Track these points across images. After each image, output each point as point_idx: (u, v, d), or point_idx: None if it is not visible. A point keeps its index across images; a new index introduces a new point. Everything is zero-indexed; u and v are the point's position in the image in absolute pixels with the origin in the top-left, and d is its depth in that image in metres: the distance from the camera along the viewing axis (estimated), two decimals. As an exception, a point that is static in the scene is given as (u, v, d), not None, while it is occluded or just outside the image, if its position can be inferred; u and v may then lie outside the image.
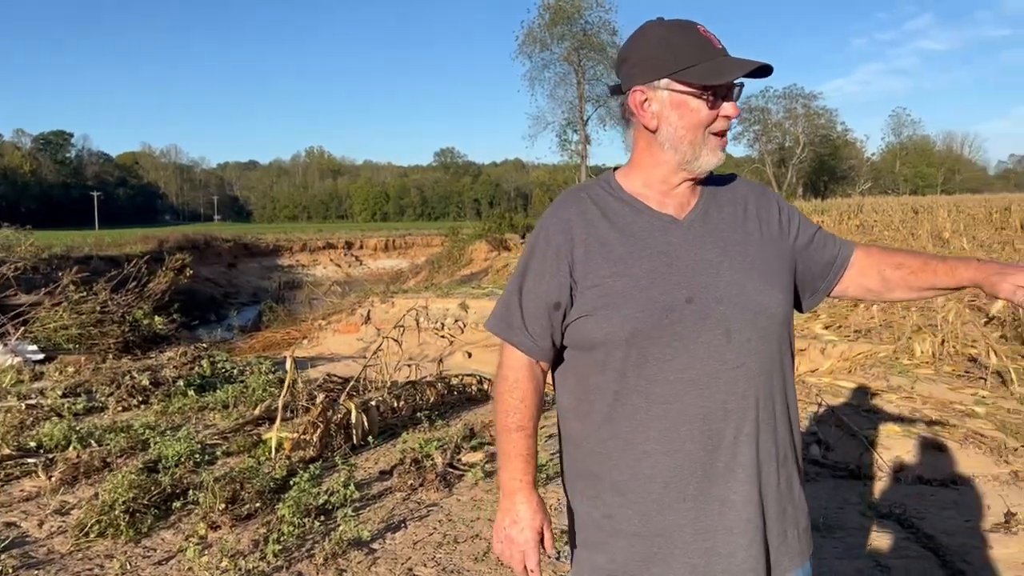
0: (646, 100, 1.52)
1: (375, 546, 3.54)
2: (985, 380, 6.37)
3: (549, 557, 1.64)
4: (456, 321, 13.52)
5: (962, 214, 25.29)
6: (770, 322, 1.52)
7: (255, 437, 5.19)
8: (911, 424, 5.23)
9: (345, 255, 46.18)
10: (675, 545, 1.49)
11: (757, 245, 1.57)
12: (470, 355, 12.32)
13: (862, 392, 6.06)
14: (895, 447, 4.82)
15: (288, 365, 5.15)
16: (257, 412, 5.67)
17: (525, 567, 1.59)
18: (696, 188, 1.59)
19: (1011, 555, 3.47)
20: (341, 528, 3.55)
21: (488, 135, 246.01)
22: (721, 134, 1.52)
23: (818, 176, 62.07)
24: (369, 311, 14.90)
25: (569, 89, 48.49)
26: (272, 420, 5.64)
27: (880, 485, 4.36)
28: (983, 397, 5.91)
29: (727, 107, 1.50)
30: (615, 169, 1.65)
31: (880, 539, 3.58)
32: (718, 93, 1.49)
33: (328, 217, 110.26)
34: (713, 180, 1.63)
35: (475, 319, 13.63)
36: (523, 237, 29.80)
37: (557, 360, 1.64)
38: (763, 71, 1.49)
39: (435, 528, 3.76)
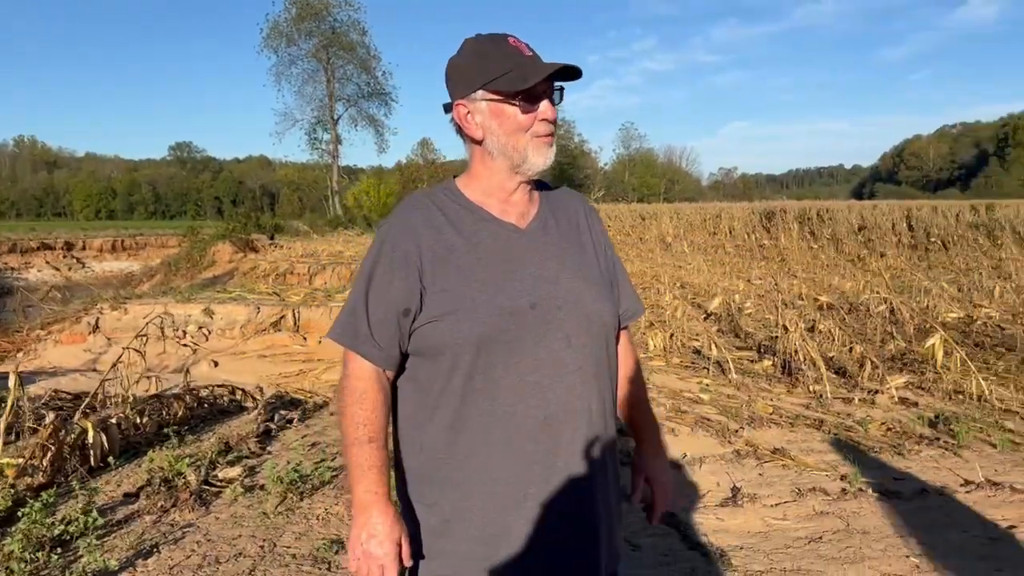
0: (468, 112, 1.59)
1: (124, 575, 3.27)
2: (708, 370, 7.14)
3: (405, 569, 1.60)
4: (200, 328, 12.74)
5: (682, 220, 28.07)
6: (602, 329, 1.63)
7: (-33, 466, 4.56)
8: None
9: (65, 257, 41.52)
10: (513, 546, 1.53)
11: (591, 256, 1.70)
12: (216, 364, 11.66)
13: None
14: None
15: (12, 382, 4.58)
16: (-31, 437, 4.97)
17: None
18: (535, 197, 1.68)
19: (739, 525, 3.94)
20: (84, 559, 3.23)
21: (230, 130, 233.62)
22: (546, 135, 1.59)
23: (558, 184, 65.76)
24: (98, 319, 13.58)
25: (318, 87, 47.55)
26: (-13, 445, 5.00)
27: (625, 472, 4.74)
28: (707, 385, 6.63)
29: (543, 109, 1.57)
30: (455, 177, 1.70)
31: (629, 520, 3.90)
32: (531, 97, 1.56)
33: (43, 215, 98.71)
34: (549, 192, 1.75)
35: (222, 325, 12.93)
36: (271, 238, 28.66)
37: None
38: (571, 73, 1.57)
39: (192, 550, 3.54)
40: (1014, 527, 3.92)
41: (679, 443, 5.19)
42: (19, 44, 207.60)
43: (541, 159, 1.59)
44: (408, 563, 1.55)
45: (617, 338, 1.77)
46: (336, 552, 3.53)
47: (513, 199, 1.64)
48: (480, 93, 1.56)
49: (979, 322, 9.60)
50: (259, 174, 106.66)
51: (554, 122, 1.60)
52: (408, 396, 1.62)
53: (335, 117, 48.19)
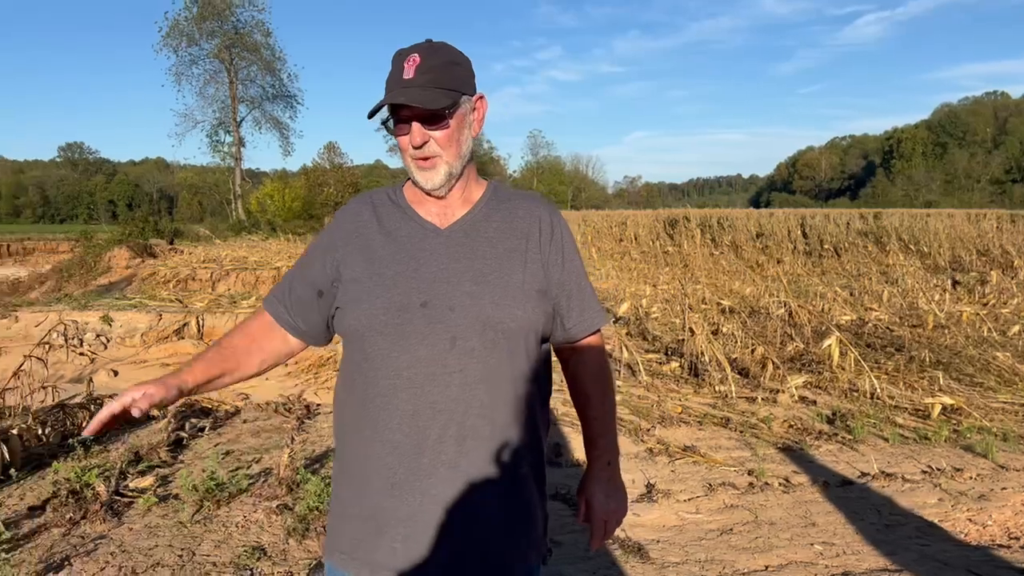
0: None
1: (35, 591, 3.15)
2: (619, 372, 7.33)
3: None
4: (98, 336, 12.24)
5: (590, 227, 28.59)
6: (501, 335, 1.59)
7: None
8: (563, 416, 5.86)
9: (-57, 262, 39.13)
10: (382, 529, 1.59)
11: (516, 264, 1.65)
12: (117, 373, 11.21)
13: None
14: (553, 436, 5.38)
15: (-97, 393, 4.33)
16: None
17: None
18: (475, 200, 1.71)
19: (655, 520, 4.08)
20: (-9, 576, 3.10)
21: (124, 130, 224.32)
22: (419, 158, 1.62)
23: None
24: (-15, 327, 12.87)
25: (221, 88, 46.28)
26: None
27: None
28: (619, 387, 6.80)
29: (412, 132, 1.60)
30: None
31: (551, 519, 4.00)
32: (401, 120, 1.60)
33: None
34: (514, 196, 1.76)
35: (121, 333, 12.46)
36: (171, 243, 27.70)
37: None
38: (439, 107, 1.57)
39: (107, 562, 3.43)
40: (906, 514, 4.20)
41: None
42: None
43: (421, 179, 1.64)
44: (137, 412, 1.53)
45: (580, 351, 1.79)
46: (258, 559, 3.49)
47: (435, 201, 1.69)
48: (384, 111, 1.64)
49: (870, 324, 10.16)
50: (157, 177, 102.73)
51: (421, 146, 1.60)
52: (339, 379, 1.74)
53: (238, 119, 47.00)
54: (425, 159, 1.61)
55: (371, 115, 1.59)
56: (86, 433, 1.44)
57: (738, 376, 7.38)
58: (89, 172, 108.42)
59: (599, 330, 1.81)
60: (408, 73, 1.57)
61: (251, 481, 4.40)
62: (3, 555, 3.32)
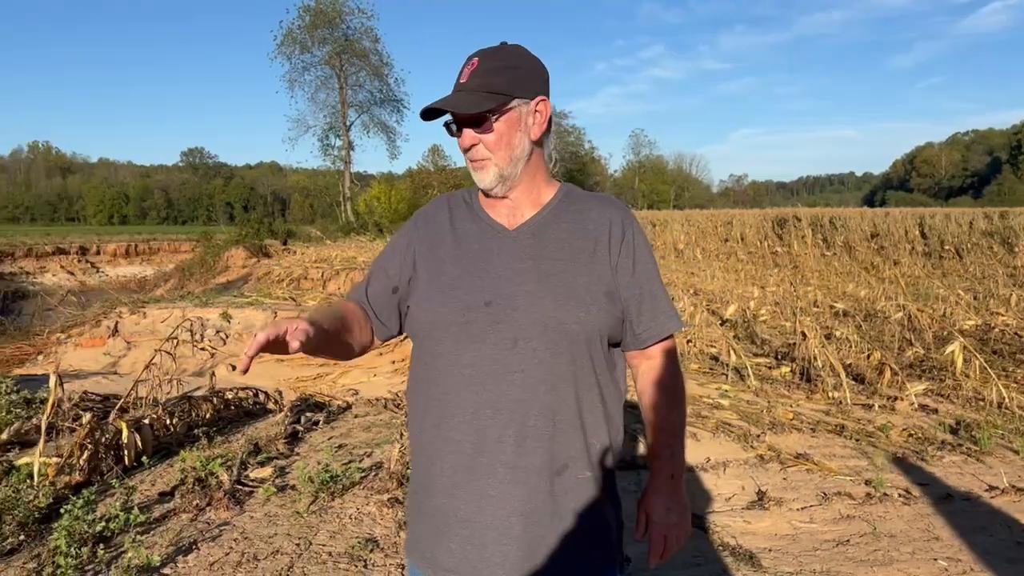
0: None
1: (167, 571, 3.33)
2: (726, 376, 7.18)
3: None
4: (218, 332, 12.85)
5: (693, 227, 28.07)
6: (561, 336, 1.57)
7: (4, 464, 4.65)
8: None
9: (79, 261, 41.81)
10: (442, 529, 1.62)
11: (583, 264, 1.63)
12: (234, 368, 11.74)
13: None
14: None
15: (51, 383, 4.66)
16: (5, 436, 5.07)
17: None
18: (539, 202, 1.71)
19: (766, 528, 3.98)
20: (129, 555, 3.30)
21: (241, 136, 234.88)
22: (471, 160, 1.66)
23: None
24: (117, 323, 13.71)
25: (331, 93, 47.80)
26: (23, 444, 5.10)
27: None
28: (726, 391, 6.67)
29: (460, 139, 1.66)
30: None
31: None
32: (455, 125, 1.65)
33: (56, 219, 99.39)
34: (586, 199, 1.73)
35: (239, 329, 13.02)
36: (284, 243, 28.78)
37: None
38: (483, 111, 1.60)
39: (231, 548, 3.61)
40: (1040, 531, 3.95)
41: (701, 448, 5.24)
42: (35, 51, 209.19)
43: (476, 179, 1.68)
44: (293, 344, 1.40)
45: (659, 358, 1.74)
46: (371, 551, 3.59)
47: (503, 202, 1.70)
48: None
49: (996, 330, 9.60)
50: (271, 180, 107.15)
51: (470, 149, 1.64)
52: None
53: (347, 123, 48.43)
54: (475, 161, 1.65)
55: (426, 118, 1.65)
56: (243, 363, 1.33)
57: (853, 382, 7.10)
58: (209, 176, 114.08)
59: (671, 337, 1.74)
60: (464, 77, 1.62)
61: (363, 474, 4.53)
62: (138, 537, 3.53)
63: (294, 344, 1.40)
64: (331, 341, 1.58)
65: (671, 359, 1.75)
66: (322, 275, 18.30)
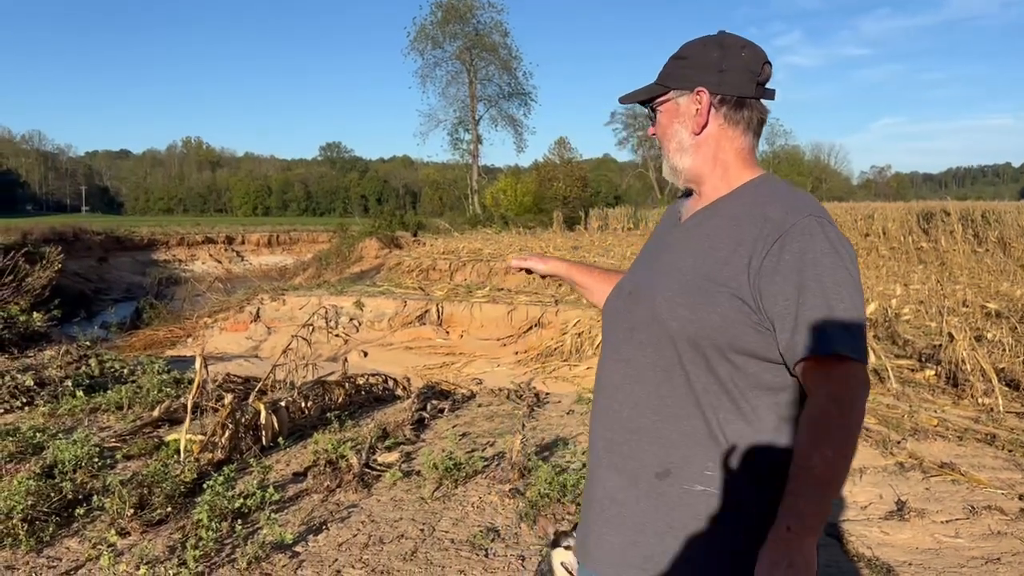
0: None
1: (298, 549, 3.48)
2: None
3: None
4: (351, 320, 13.32)
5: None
6: (662, 332, 1.51)
7: (156, 439, 4.99)
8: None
9: (226, 250, 44.50)
10: (583, 516, 1.68)
11: (714, 264, 1.50)
12: (366, 354, 12.16)
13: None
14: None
15: (197, 365, 4.96)
16: (156, 413, 5.43)
17: None
18: (714, 195, 1.61)
19: (906, 540, 3.75)
20: (264, 531, 3.46)
21: (376, 130, 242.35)
22: (660, 147, 1.70)
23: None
24: (259, 309, 14.47)
25: (461, 88, 48.64)
26: (171, 421, 5.44)
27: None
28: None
29: None
30: None
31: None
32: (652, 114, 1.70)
33: (206, 211, 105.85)
34: (764, 197, 1.55)
35: (371, 317, 13.47)
36: (415, 235, 29.54)
37: None
38: (639, 101, 1.69)
39: (358, 529, 3.73)
40: None
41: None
42: (188, 51, 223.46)
43: (663, 166, 1.72)
44: None
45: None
46: (492, 540, 3.62)
47: (696, 196, 1.67)
48: None
49: None
50: (402, 173, 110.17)
51: (651, 137, 1.74)
52: None
53: (476, 117, 49.15)
54: (660, 148, 1.69)
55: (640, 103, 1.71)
56: (513, 264, 2.06)
57: (1007, 388, 6.60)
58: (345, 169, 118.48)
59: (830, 361, 1.39)
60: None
61: (485, 463, 4.57)
62: (273, 515, 3.69)
63: (541, 267, 2.02)
64: (585, 286, 2.00)
65: (825, 387, 1.40)
66: (450, 266, 18.70)
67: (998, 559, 3.59)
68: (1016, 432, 5.53)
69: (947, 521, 4.01)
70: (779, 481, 1.40)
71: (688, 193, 1.71)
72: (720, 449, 1.47)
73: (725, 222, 1.55)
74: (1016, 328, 9.09)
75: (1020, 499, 4.29)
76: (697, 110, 1.59)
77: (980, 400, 6.30)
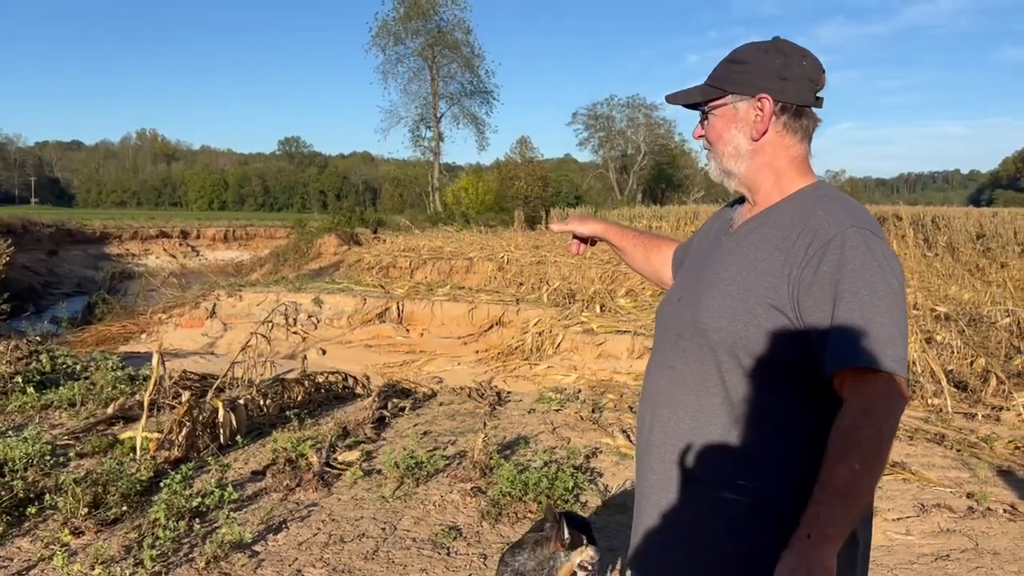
0: None
1: (258, 548, 3.44)
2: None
3: None
4: (310, 316, 13.18)
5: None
6: (704, 341, 1.54)
7: (110, 437, 4.89)
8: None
9: (180, 245, 43.69)
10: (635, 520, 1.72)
11: (756, 274, 1.51)
12: (324, 352, 12.07)
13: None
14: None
15: (154, 361, 4.87)
16: (110, 411, 5.32)
17: None
18: (765, 204, 1.61)
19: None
20: (223, 530, 3.42)
21: (335, 126, 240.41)
22: (706, 149, 1.70)
23: (656, 183, 64.62)
24: (215, 305, 14.27)
25: (423, 85, 48.37)
26: (126, 419, 5.34)
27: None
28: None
29: None
30: None
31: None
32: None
33: (160, 204, 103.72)
34: (813, 206, 1.53)
35: (330, 315, 13.36)
36: (375, 232, 29.30)
37: None
38: (691, 103, 1.69)
39: (319, 528, 3.70)
40: None
41: None
42: (144, 42, 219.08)
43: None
44: None
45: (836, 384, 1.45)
46: (454, 539, 3.62)
47: (748, 204, 1.67)
48: None
49: (1115, 339, 9.01)
50: (362, 169, 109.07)
51: (698, 139, 1.72)
52: None
53: (438, 115, 48.94)
54: (706, 150, 1.69)
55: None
56: (558, 227, 2.13)
57: (955, 389, 6.78)
58: (304, 164, 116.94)
59: (867, 375, 1.39)
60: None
61: (447, 462, 4.57)
62: (232, 513, 3.65)
63: (583, 229, 2.07)
64: (621, 248, 2.07)
65: (858, 399, 1.39)
66: (410, 264, 18.59)
67: (947, 556, 3.69)
68: (964, 432, 5.69)
69: (898, 519, 4.11)
70: (811, 493, 1.39)
71: (740, 199, 1.71)
72: (752, 459, 1.48)
73: (773, 232, 1.54)
74: (964, 331, 9.34)
75: (968, 497, 4.41)
76: (757, 116, 1.58)
77: (930, 401, 6.47)
